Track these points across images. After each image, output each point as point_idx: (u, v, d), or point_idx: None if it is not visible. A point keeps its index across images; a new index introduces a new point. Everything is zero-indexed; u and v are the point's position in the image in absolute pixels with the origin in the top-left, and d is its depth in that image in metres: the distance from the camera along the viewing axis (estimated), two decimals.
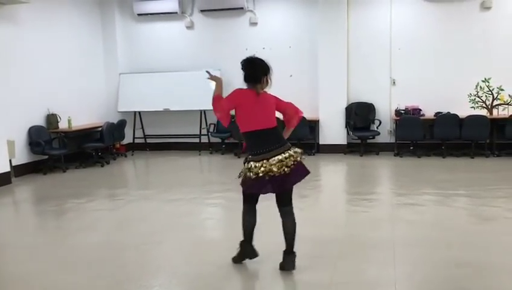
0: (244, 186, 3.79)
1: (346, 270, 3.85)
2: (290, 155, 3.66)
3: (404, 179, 7.62)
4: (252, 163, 3.66)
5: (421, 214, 5.47)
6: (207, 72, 4.11)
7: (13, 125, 8.09)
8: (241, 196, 3.96)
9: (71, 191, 7.22)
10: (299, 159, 3.72)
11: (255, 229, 3.97)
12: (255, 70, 3.70)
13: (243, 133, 3.73)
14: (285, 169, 3.61)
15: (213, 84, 3.90)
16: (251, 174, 3.63)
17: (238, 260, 4.05)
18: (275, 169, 3.59)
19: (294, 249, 3.82)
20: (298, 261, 3.82)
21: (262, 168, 3.59)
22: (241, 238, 4.02)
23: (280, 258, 3.85)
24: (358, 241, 4.55)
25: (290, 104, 3.91)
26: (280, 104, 3.84)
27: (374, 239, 4.56)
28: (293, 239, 3.79)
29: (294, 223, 3.81)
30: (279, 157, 3.61)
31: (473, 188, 6.59)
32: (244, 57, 3.81)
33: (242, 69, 3.74)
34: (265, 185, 3.62)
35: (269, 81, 3.74)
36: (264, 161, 3.60)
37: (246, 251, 4.00)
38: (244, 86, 3.78)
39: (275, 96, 3.83)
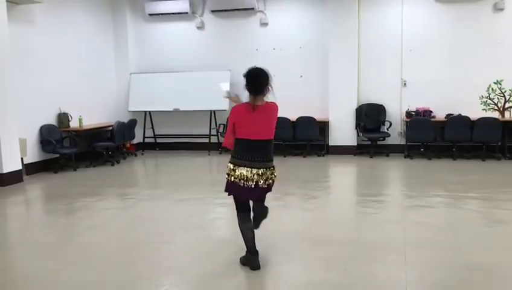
0: (226, 190, 3.99)
1: (356, 272, 3.84)
2: (271, 175, 3.86)
3: (414, 181, 7.58)
4: (230, 165, 3.85)
5: (432, 216, 5.43)
6: (226, 92, 4.17)
7: (25, 124, 8.17)
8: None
9: (82, 189, 7.27)
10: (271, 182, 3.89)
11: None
12: (258, 83, 3.78)
13: (236, 138, 3.83)
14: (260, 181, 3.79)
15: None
16: (230, 177, 3.84)
17: (243, 262, 4.06)
18: (250, 178, 3.76)
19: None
20: (308, 262, 3.82)
21: (237, 173, 3.79)
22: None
23: (286, 259, 3.84)
24: (369, 243, 4.54)
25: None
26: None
27: (384, 241, 4.55)
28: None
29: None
30: (259, 171, 3.77)
31: (484, 191, 6.54)
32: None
33: (246, 81, 3.80)
34: (244, 191, 3.82)
35: (270, 88, 3.83)
36: (241, 168, 3.77)
37: (250, 260, 3.98)
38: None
39: (274, 112, 3.89)
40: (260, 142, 3.79)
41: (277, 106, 3.93)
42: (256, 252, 3.96)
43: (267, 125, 3.83)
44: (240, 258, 4.09)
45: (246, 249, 4.02)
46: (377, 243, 4.50)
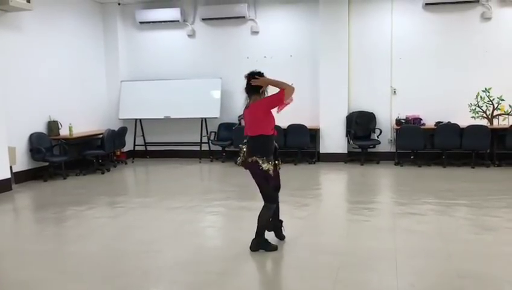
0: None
1: (348, 281, 3.83)
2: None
3: (404, 188, 7.61)
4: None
5: (423, 223, 5.45)
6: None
7: (14, 132, 8.10)
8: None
9: (71, 198, 7.21)
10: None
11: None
12: (247, 83, 4.38)
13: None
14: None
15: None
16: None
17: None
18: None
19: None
20: (299, 270, 3.81)
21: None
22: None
23: (278, 267, 3.83)
24: (360, 251, 4.54)
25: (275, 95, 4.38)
26: (271, 100, 4.34)
27: (376, 249, 4.55)
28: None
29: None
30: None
31: (474, 198, 6.58)
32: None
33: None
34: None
35: (265, 93, 4.35)
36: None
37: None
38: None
39: (265, 100, 4.36)
40: (249, 138, 4.38)
41: (264, 101, 4.33)
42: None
43: (251, 123, 4.37)
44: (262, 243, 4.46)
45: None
46: (369, 251, 4.50)
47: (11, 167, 7.87)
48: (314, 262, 4.25)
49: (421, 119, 9.66)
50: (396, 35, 9.86)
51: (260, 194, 4.45)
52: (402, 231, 5.15)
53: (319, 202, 6.98)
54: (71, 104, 9.67)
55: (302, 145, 9.88)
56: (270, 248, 4.47)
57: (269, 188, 4.39)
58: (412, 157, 9.59)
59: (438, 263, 4.14)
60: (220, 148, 10.56)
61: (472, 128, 9.09)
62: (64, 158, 8.87)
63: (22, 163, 8.37)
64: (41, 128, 8.91)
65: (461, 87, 9.60)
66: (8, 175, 7.73)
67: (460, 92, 9.59)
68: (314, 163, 9.93)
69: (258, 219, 4.44)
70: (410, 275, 3.92)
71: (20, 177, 8.26)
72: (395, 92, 9.97)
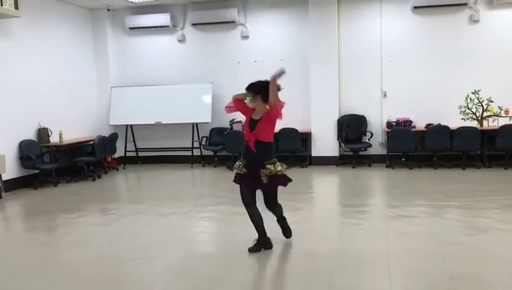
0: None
1: (341, 284, 3.84)
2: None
3: (396, 190, 7.65)
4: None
5: (415, 226, 5.47)
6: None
7: (3, 139, 8.02)
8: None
9: (62, 205, 7.16)
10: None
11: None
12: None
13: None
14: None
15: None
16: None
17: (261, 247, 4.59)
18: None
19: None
20: (293, 275, 3.81)
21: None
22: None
23: (271, 272, 3.82)
24: (353, 254, 4.54)
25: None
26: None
27: (369, 252, 4.55)
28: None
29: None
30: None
31: (465, 200, 6.62)
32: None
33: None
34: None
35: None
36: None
37: (268, 242, 4.61)
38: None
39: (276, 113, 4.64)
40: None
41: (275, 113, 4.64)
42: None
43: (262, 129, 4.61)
44: (251, 248, 4.53)
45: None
46: (362, 254, 4.51)
47: (0, 175, 7.79)
48: (307, 267, 4.25)
49: (411, 121, 9.71)
50: (385, 38, 9.92)
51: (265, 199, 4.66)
52: (394, 233, 5.17)
53: (311, 205, 6.98)
54: (61, 111, 9.59)
55: (294, 149, 9.88)
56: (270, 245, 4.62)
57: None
58: (403, 159, 9.63)
59: (431, 265, 4.16)
60: (211, 153, 10.53)
61: (462, 130, 9.15)
62: (55, 165, 8.79)
63: (12, 171, 8.29)
64: (31, 135, 8.83)
65: (451, 89, 9.67)
66: None
67: (450, 94, 9.66)
68: (306, 166, 9.94)
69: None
70: (403, 278, 3.93)
71: (10, 186, 8.17)
72: (385, 94, 10.01)
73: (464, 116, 9.71)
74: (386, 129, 9.75)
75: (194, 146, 10.64)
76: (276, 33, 10.46)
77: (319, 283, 3.85)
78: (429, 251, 4.54)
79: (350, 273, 4.08)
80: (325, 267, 4.17)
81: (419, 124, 9.69)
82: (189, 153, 10.68)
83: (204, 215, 6.34)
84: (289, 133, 9.78)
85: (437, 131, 9.30)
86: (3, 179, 7.96)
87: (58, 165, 8.88)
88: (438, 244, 4.72)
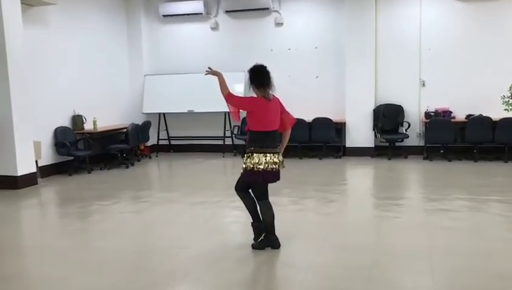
0: (252, 179, 4.21)
1: (381, 281, 3.66)
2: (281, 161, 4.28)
3: (435, 183, 7.35)
4: (256, 155, 4.16)
5: (457, 220, 5.23)
6: (208, 68, 4.62)
7: (39, 126, 8.11)
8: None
9: (96, 192, 7.19)
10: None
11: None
12: (268, 77, 4.22)
13: (252, 131, 4.22)
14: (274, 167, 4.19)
15: (215, 78, 4.44)
16: (259, 166, 4.13)
17: (262, 245, 4.35)
18: (269, 165, 4.16)
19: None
20: (329, 270, 3.68)
21: (265, 160, 4.14)
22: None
23: (307, 266, 3.68)
24: (392, 249, 4.35)
25: (288, 113, 4.42)
26: (281, 110, 4.34)
27: (409, 247, 4.35)
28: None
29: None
30: (274, 158, 4.19)
31: (509, 194, 6.32)
32: (267, 60, 4.44)
33: (253, 77, 4.24)
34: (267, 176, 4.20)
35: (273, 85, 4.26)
36: (267, 155, 4.16)
37: (273, 240, 4.31)
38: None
39: (280, 102, 4.34)
40: (275, 132, 4.25)
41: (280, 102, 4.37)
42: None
43: (278, 118, 4.26)
44: (255, 244, 4.34)
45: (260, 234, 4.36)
46: (401, 250, 4.31)
47: (36, 162, 7.89)
48: (344, 261, 4.08)
49: (451, 112, 9.34)
50: (425, 25, 9.54)
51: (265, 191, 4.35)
52: (435, 228, 4.94)
53: (346, 197, 6.79)
54: (95, 99, 9.65)
55: (327, 139, 9.67)
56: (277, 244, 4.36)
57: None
58: (441, 151, 9.27)
59: (477, 262, 3.93)
60: (243, 142, 10.39)
61: (505, 121, 8.74)
62: (89, 152, 8.87)
63: (47, 157, 8.40)
64: (66, 122, 8.93)
65: (493, 78, 9.22)
66: (34, 169, 7.75)
67: (493, 84, 9.20)
68: (340, 158, 9.72)
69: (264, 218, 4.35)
70: (447, 276, 3.71)
71: (45, 172, 8.28)
72: (423, 84, 9.66)
73: (507, 107, 9.23)
74: (424, 120, 9.42)
75: (226, 135, 10.56)
76: (311, 20, 10.23)
77: (357, 278, 3.69)
78: (474, 247, 4.30)
79: (389, 269, 3.90)
80: (363, 262, 4.00)
81: (459, 115, 9.32)
82: (221, 142, 10.62)
83: (236, 204, 6.16)
84: (322, 122, 9.59)
85: (478, 122, 8.93)
86: (39, 165, 8.07)
87: (92, 152, 8.96)
88: (483, 240, 4.48)
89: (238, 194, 4.42)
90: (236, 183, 4.41)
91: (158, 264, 4.15)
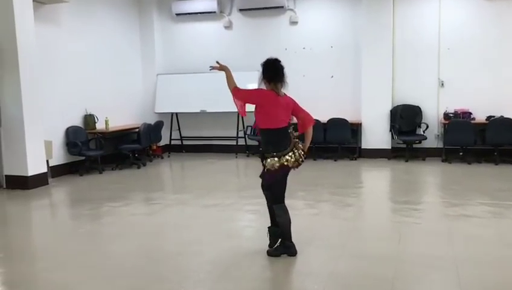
0: (273, 181, 4.04)
1: None
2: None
3: (455, 187, 7.11)
4: (274, 158, 3.98)
5: (481, 227, 4.99)
6: (216, 62, 4.50)
7: (51, 126, 8.02)
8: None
9: (107, 193, 7.06)
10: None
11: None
12: (281, 71, 4.04)
13: (263, 131, 4.06)
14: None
15: (222, 74, 4.34)
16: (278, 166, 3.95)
17: (278, 252, 4.15)
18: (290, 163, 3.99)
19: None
20: (350, 280, 3.48)
21: (280, 162, 3.96)
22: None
23: (325, 276, 3.50)
24: (415, 257, 4.14)
25: (305, 111, 4.22)
26: (297, 109, 4.17)
27: (433, 256, 4.12)
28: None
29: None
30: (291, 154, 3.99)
31: None
32: (283, 58, 4.18)
33: (265, 70, 4.08)
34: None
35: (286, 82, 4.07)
36: (282, 157, 3.97)
37: (290, 247, 4.10)
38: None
39: (293, 101, 4.16)
40: (284, 129, 4.03)
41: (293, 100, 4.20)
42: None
43: (288, 115, 4.08)
44: (270, 250, 4.16)
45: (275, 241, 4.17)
46: (425, 258, 4.09)
47: (47, 161, 7.79)
48: (365, 271, 3.88)
49: (470, 113, 9.07)
50: (444, 23, 9.28)
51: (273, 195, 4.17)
52: (459, 235, 4.71)
53: (362, 201, 6.57)
54: (107, 98, 9.55)
55: (342, 140, 9.46)
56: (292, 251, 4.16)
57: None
58: (460, 153, 9.00)
59: (506, 273, 3.71)
60: (256, 143, 10.24)
61: None
62: (101, 152, 8.76)
63: (58, 157, 8.31)
64: (77, 122, 8.83)
65: None
66: (45, 169, 7.65)
67: None
68: (356, 159, 9.49)
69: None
70: (476, 287, 3.50)
71: (56, 172, 8.18)
72: (442, 84, 9.40)
73: None
74: (442, 121, 9.16)
75: (239, 135, 10.40)
76: (327, 19, 10.02)
77: (380, 289, 3.49)
78: (501, 257, 4.08)
79: (414, 279, 3.70)
80: (385, 272, 3.80)
81: (479, 116, 9.04)
82: (233, 143, 10.45)
83: (250, 207, 6.05)
84: (338, 123, 9.38)
85: (499, 124, 8.65)
86: (50, 165, 7.97)
87: (104, 152, 8.84)
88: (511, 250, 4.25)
89: (278, 206, 4.11)
90: (271, 195, 4.15)
91: (170, 270, 3.99)
